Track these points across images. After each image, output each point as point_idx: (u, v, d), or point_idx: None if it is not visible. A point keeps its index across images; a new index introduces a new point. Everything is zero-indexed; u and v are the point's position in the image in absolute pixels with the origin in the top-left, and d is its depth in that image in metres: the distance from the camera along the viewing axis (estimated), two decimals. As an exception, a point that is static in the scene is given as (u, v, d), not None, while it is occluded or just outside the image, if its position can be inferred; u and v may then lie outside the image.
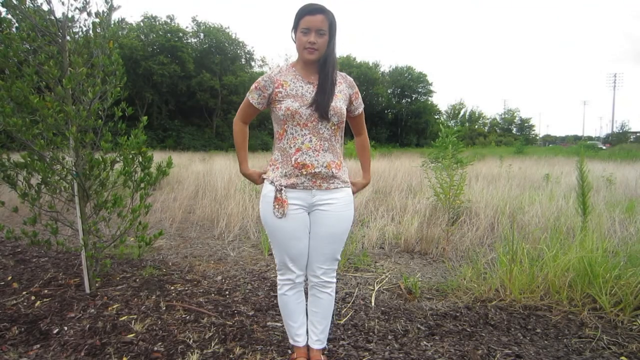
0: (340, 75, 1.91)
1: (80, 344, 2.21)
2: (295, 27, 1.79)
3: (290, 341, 2.06)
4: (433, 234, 4.36)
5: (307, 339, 2.05)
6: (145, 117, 3.10)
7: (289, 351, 2.20)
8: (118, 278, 3.25)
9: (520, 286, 2.89)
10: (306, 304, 2.07)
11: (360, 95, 2.00)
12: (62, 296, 2.84)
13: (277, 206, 1.82)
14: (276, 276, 2.03)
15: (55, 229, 3.00)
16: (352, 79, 1.96)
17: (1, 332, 2.34)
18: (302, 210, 1.86)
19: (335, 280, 2.02)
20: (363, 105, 2.02)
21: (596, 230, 3.43)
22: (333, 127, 1.85)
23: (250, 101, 1.87)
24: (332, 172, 1.85)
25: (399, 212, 5.46)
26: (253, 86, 1.87)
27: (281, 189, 1.82)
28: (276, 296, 2.97)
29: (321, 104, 1.78)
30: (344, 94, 1.89)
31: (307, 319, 2.06)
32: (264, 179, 1.93)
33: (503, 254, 3.09)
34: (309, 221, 1.90)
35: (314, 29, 1.74)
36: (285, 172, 1.83)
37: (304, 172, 1.81)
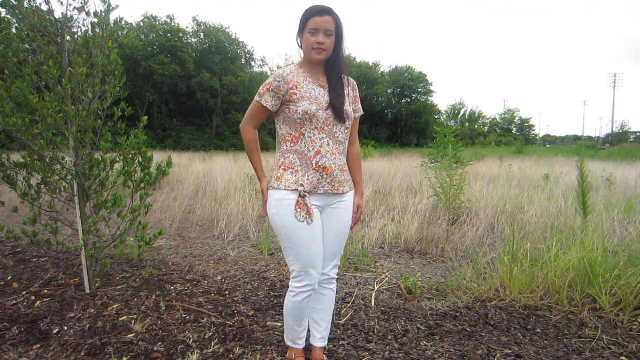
0: (345, 78, 1.91)
1: (80, 344, 2.21)
2: (302, 29, 1.77)
3: (290, 344, 2.05)
4: (433, 234, 4.35)
5: (309, 338, 2.07)
6: (146, 117, 3.09)
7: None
8: (118, 278, 3.25)
9: (521, 286, 2.89)
10: None
11: (360, 101, 2.00)
12: (62, 296, 2.84)
13: (299, 210, 1.76)
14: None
15: (55, 229, 3.00)
16: (354, 82, 1.98)
17: (1, 332, 2.34)
18: (319, 211, 1.87)
19: (337, 276, 2.06)
20: (362, 112, 2.00)
21: (596, 230, 3.43)
22: (346, 131, 1.86)
23: (265, 105, 1.78)
24: (344, 176, 1.89)
25: (399, 212, 5.46)
26: (264, 89, 1.79)
27: (305, 195, 1.77)
28: (276, 296, 2.99)
29: (337, 108, 1.79)
30: (349, 96, 1.90)
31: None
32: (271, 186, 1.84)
33: (504, 254, 3.08)
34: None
35: (322, 29, 1.73)
36: (307, 176, 1.79)
37: (324, 176, 1.81)
